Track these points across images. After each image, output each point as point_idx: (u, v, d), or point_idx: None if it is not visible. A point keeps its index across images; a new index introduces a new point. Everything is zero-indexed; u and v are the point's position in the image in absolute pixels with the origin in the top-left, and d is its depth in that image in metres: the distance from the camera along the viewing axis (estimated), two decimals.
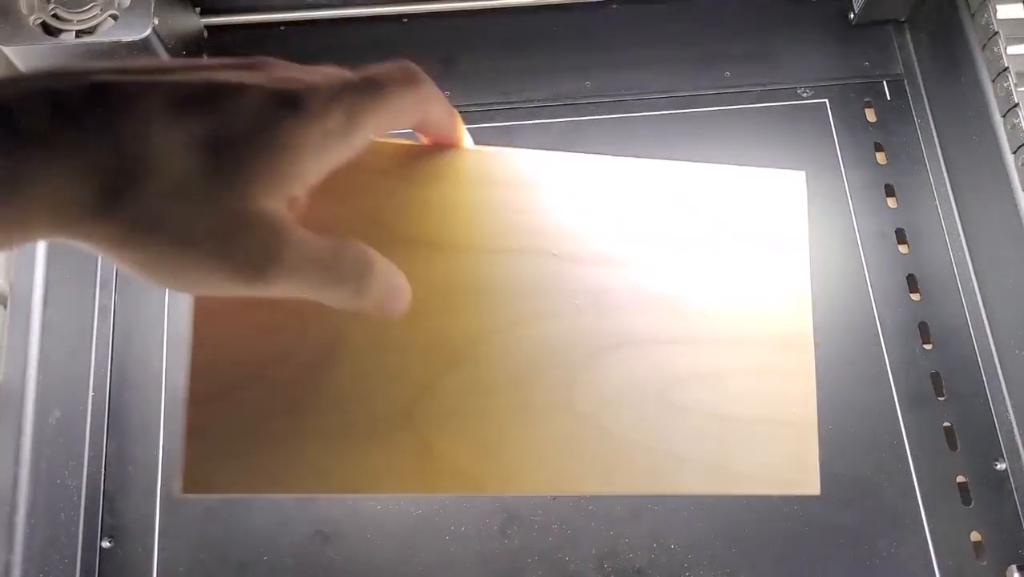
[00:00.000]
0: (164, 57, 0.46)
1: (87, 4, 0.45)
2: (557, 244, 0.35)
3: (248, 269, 0.26)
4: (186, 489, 0.31)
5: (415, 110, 0.31)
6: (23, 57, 0.45)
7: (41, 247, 0.48)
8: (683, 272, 0.36)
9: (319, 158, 0.27)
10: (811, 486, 0.35)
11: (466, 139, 0.34)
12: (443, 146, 0.35)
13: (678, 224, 0.37)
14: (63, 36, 0.44)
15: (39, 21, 0.44)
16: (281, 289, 0.27)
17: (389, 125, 0.30)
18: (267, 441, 0.32)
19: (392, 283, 0.31)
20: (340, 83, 0.28)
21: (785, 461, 0.36)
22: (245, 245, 0.26)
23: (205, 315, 0.32)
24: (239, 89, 0.26)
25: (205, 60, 0.27)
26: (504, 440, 0.34)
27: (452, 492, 0.35)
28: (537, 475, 0.34)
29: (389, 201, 0.34)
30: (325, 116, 0.27)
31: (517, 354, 0.34)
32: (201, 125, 0.25)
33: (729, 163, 0.46)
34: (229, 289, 0.26)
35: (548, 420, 0.34)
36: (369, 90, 0.28)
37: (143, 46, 0.45)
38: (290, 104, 0.26)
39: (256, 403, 0.33)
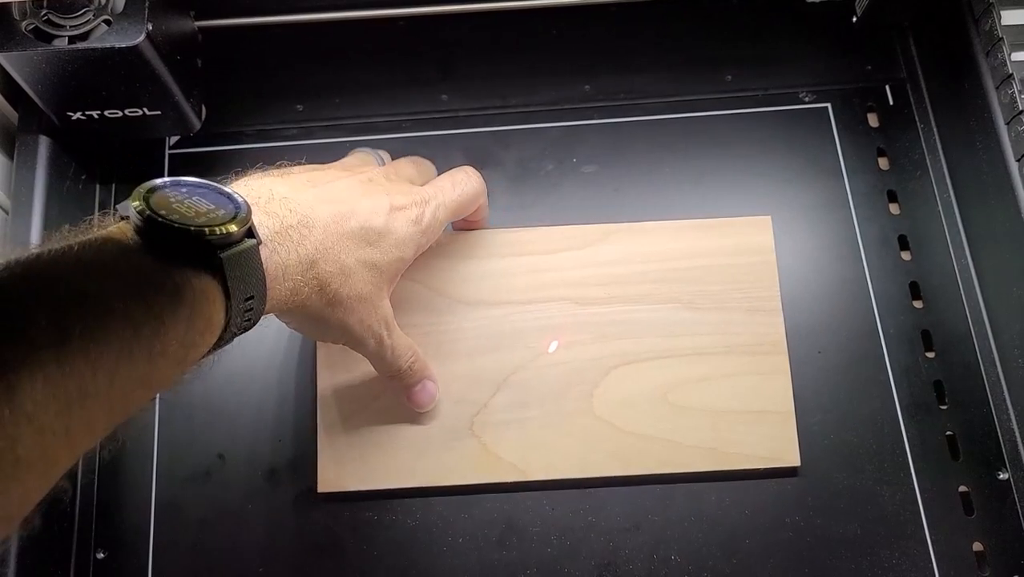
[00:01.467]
0: (158, 63, 0.46)
1: (80, 9, 0.44)
2: (572, 293, 0.47)
3: (369, 335, 0.40)
4: (321, 488, 0.45)
5: (474, 207, 0.46)
6: (16, 63, 0.44)
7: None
8: (672, 305, 0.47)
9: (419, 251, 0.42)
10: (792, 460, 0.46)
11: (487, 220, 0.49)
12: (472, 228, 0.49)
13: (665, 268, 0.48)
14: (56, 42, 0.44)
15: (31, 27, 0.44)
16: (366, 350, 0.41)
17: (456, 217, 0.45)
18: (373, 451, 0.45)
19: (427, 386, 0.45)
20: (437, 193, 0.42)
21: (769, 441, 0.46)
22: (377, 318, 0.40)
23: (326, 368, 0.46)
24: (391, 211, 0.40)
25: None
26: (542, 440, 0.45)
27: (505, 480, 0.45)
28: (568, 464, 0.45)
29: (446, 275, 0.47)
30: (434, 224, 0.42)
31: (547, 376, 0.46)
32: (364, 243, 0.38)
33: (730, 166, 0.54)
34: (348, 342, 0.40)
35: (574, 423, 0.45)
36: (453, 198, 0.43)
37: (137, 52, 0.44)
38: (416, 222, 0.40)
39: (363, 426, 0.46)
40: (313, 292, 0.36)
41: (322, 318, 0.38)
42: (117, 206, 0.30)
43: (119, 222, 0.30)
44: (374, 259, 0.38)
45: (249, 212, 0.31)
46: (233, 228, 0.30)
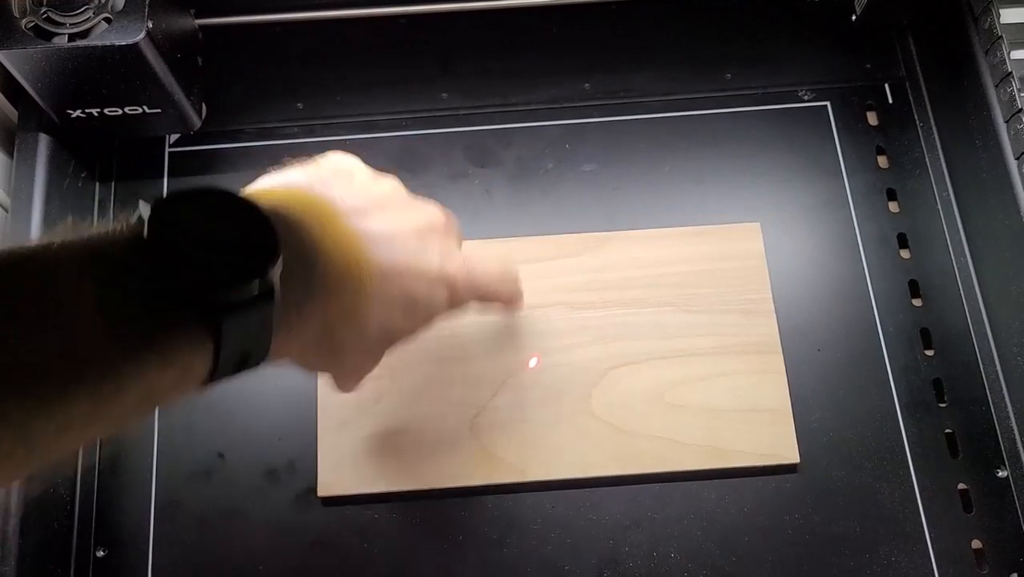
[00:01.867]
0: (158, 61, 0.46)
1: (80, 7, 0.44)
2: (567, 298, 0.49)
3: (355, 378, 0.38)
4: (321, 492, 0.45)
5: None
6: (15, 61, 0.44)
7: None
8: (666, 308, 0.48)
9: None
10: (791, 456, 0.46)
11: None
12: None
13: (659, 274, 0.49)
14: (56, 40, 0.44)
15: (31, 24, 0.44)
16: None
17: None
18: (374, 454, 0.45)
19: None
20: (478, 276, 0.39)
21: (767, 439, 0.46)
22: (370, 368, 0.37)
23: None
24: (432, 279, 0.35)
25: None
26: (541, 440, 0.46)
27: (504, 480, 0.45)
28: (567, 464, 0.45)
29: None
30: (458, 305, 0.38)
31: (545, 378, 0.47)
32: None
33: (729, 164, 0.54)
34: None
35: (572, 424, 0.46)
36: (483, 286, 0.39)
37: (137, 49, 0.44)
38: (448, 302, 0.36)
39: (364, 430, 0.46)
40: (321, 354, 0.32)
41: (315, 368, 0.35)
42: (140, 201, 0.26)
43: (132, 224, 0.25)
44: (397, 327, 0.35)
45: (278, 264, 0.25)
46: (248, 287, 0.25)
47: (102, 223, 0.52)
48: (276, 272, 0.26)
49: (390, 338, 0.35)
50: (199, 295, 0.24)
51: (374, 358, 0.36)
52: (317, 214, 0.31)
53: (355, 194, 0.33)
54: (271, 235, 0.26)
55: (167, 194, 0.26)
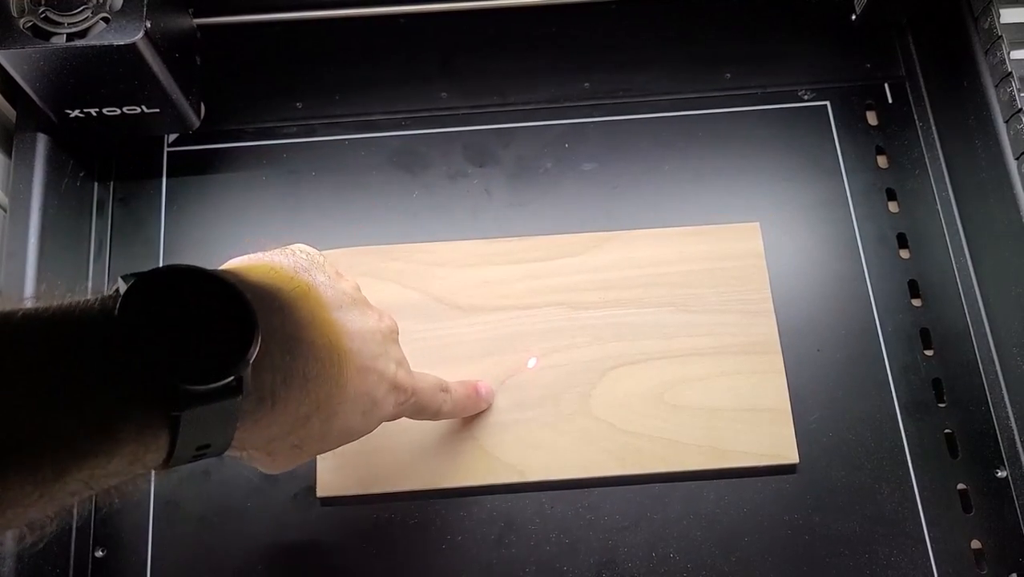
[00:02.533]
0: (156, 60, 0.46)
1: (78, 7, 0.44)
2: (567, 298, 0.49)
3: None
4: (320, 493, 0.45)
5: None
6: (14, 61, 0.44)
7: (32, 256, 0.47)
8: (666, 308, 0.49)
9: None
10: (790, 457, 0.46)
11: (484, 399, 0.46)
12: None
13: (658, 273, 0.49)
14: (54, 39, 0.44)
15: (29, 24, 0.44)
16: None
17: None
18: (372, 455, 0.45)
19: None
20: (423, 390, 0.39)
21: (766, 439, 0.46)
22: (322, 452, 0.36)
23: None
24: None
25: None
26: (540, 441, 0.46)
27: (503, 481, 0.45)
28: (567, 464, 0.45)
29: (444, 282, 0.49)
30: (404, 414, 0.38)
31: (545, 378, 0.47)
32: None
33: (729, 164, 0.54)
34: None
35: (572, 424, 0.46)
36: (428, 401, 0.40)
37: (135, 49, 0.44)
38: (398, 405, 0.36)
39: None
40: (284, 448, 0.32)
41: (269, 463, 0.34)
42: (120, 277, 0.24)
43: (106, 298, 0.24)
44: (355, 427, 0.34)
45: (248, 365, 0.25)
46: (216, 385, 0.24)
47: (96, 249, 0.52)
48: (248, 366, 0.25)
49: (346, 437, 0.34)
50: (160, 384, 0.23)
51: (318, 455, 0.35)
52: (301, 297, 0.31)
53: (331, 286, 0.33)
54: (250, 327, 0.25)
55: (149, 270, 0.24)
